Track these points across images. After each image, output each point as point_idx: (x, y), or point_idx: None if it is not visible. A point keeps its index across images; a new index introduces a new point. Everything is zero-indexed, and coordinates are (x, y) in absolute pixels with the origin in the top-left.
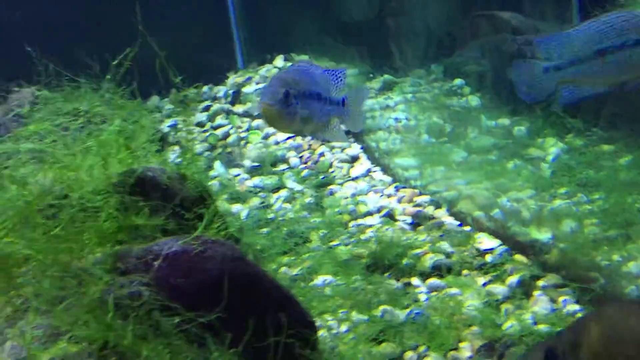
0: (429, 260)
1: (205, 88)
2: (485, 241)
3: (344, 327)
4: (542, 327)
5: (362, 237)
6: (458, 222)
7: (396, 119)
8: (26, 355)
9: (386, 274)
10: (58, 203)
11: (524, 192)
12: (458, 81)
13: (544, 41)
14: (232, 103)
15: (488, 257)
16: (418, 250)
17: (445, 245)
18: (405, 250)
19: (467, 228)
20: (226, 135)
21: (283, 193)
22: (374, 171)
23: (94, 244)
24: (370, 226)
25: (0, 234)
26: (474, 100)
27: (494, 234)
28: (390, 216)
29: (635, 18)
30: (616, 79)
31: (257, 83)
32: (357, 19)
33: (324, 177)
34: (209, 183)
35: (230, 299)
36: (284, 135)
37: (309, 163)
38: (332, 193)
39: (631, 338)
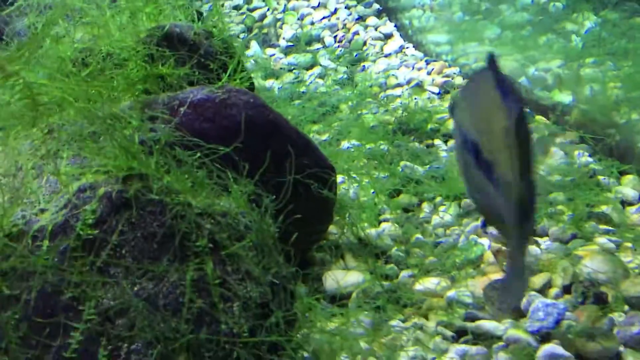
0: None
1: None
2: None
3: (365, 181)
4: (554, 178)
5: (391, 105)
6: None
7: None
8: (60, 185)
9: (411, 137)
10: (89, 54)
11: (552, 62)
12: None
13: None
14: None
15: None
16: (443, 115)
17: None
18: (430, 115)
19: None
20: (262, 17)
21: (316, 70)
22: (407, 47)
23: (122, 90)
24: (399, 96)
25: (33, 79)
26: None
27: None
28: (419, 87)
29: None
30: None
31: None
32: None
33: (357, 55)
34: (246, 62)
35: (252, 142)
36: (319, 15)
37: (343, 42)
38: (364, 69)
39: None
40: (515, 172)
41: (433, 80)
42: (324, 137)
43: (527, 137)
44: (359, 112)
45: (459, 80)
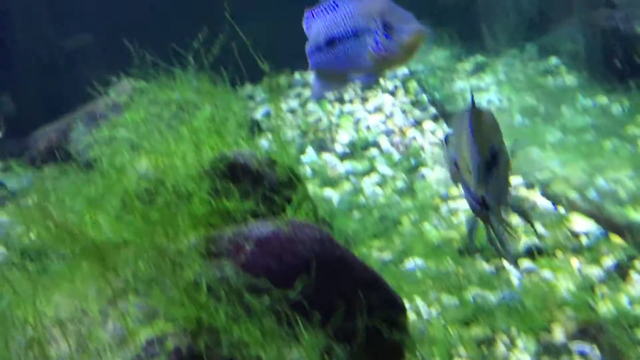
0: (521, 242)
1: (296, 75)
2: (580, 222)
3: (434, 310)
4: (638, 309)
5: (454, 220)
6: (552, 204)
7: (488, 101)
8: (126, 333)
9: (477, 256)
10: (154, 188)
11: (621, 172)
12: (554, 60)
13: (307, 16)
14: None
15: (583, 239)
16: None
17: (538, 227)
18: None
19: (561, 209)
20: (318, 120)
21: (374, 177)
22: None
23: (187, 228)
24: (462, 209)
25: (100, 218)
26: (570, 80)
27: (589, 215)
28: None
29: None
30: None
31: None
32: (446, 1)
33: (415, 161)
34: (301, 169)
35: (319, 281)
36: (375, 120)
37: (400, 147)
38: (423, 177)
39: None
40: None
41: None
42: (386, 254)
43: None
44: (422, 226)
45: (523, 192)
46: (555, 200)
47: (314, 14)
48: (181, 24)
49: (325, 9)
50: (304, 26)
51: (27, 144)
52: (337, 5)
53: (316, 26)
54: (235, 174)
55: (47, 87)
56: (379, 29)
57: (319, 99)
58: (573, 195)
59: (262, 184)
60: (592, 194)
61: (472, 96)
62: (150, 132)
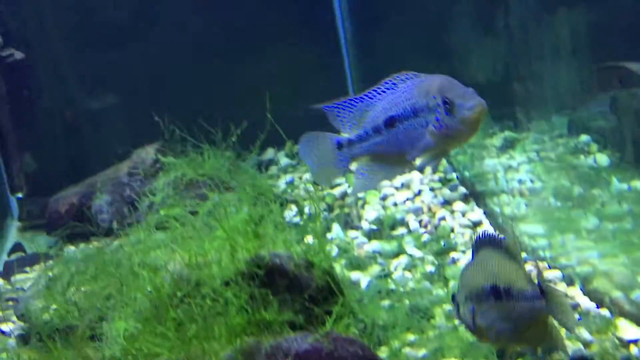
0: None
1: None
2: (629, 329)
3: None
4: None
5: None
6: (595, 304)
7: (520, 181)
8: None
9: None
10: (188, 294)
11: None
12: (584, 137)
13: (333, 108)
14: None
15: (633, 349)
16: None
17: (582, 331)
18: None
19: (606, 311)
20: (343, 194)
21: (403, 259)
22: None
23: (224, 340)
24: None
25: (131, 324)
26: (602, 159)
27: (638, 321)
28: None
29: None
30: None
31: None
32: (480, 82)
33: (445, 244)
34: (327, 248)
35: None
36: (403, 197)
37: (429, 227)
38: (454, 261)
39: None
40: None
41: None
42: (420, 352)
43: None
44: (456, 321)
45: (562, 287)
46: (598, 300)
47: (357, 99)
48: (204, 91)
49: (382, 89)
50: (332, 116)
51: (48, 205)
52: (395, 85)
53: (371, 108)
54: (272, 278)
55: (70, 148)
56: (439, 107)
57: (359, 192)
58: (617, 294)
59: (300, 289)
60: (636, 294)
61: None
62: (184, 229)
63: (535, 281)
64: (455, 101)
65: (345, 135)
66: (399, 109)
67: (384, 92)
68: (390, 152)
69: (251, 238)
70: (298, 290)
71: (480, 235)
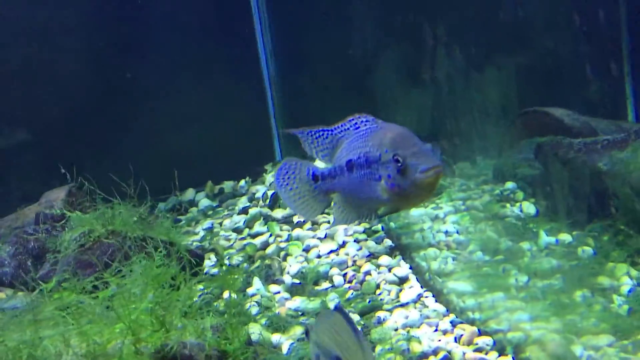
0: None
1: (242, 182)
2: None
3: None
4: None
5: None
6: None
7: (446, 232)
8: None
9: None
10: None
11: (600, 338)
12: (510, 184)
13: (307, 135)
14: (271, 207)
15: None
16: None
17: None
18: None
19: None
20: (265, 245)
21: None
22: (426, 297)
23: None
24: None
25: None
26: (529, 208)
27: None
28: None
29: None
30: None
31: None
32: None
33: (370, 301)
34: (247, 306)
35: None
36: (326, 248)
37: (354, 282)
38: (380, 321)
39: None
40: None
41: (464, 353)
42: None
43: None
44: None
45: (493, 356)
46: None
47: (334, 130)
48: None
49: (347, 127)
50: (305, 142)
51: None
52: (357, 126)
53: (340, 143)
54: None
55: None
56: (392, 164)
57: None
58: None
59: None
60: None
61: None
62: (80, 314)
63: None
64: (407, 161)
65: (320, 167)
66: (355, 154)
67: (348, 129)
68: (352, 195)
69: (157, 327)
70: None
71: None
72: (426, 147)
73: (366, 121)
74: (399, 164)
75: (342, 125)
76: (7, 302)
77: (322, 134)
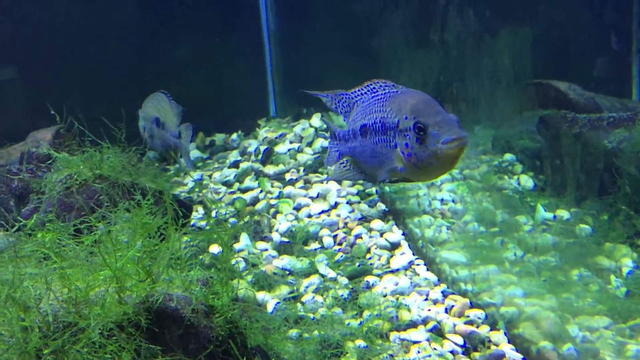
0: None
1: (234, 135)
2: None
3: None
4: None
5: (407, 357)
6: (521, 355)
7: (442, 200)
8: None
9: None
10: (61, 347)
11: (597, 319)
12: (508, 156)
13: (329, 97)
14: (263, 162)
15: None
16: None
17: None
18: None
19: None
20: (255, 200)
21: (314, 279)
22: (417, 264)
23: None
24: (415, 342)
25: None
26: (527, 182)
27: None
28: (437, 331)
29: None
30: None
31: (291, 142)
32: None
33: (360, 265)
34: (233, 261)
35: None
36: (318, 208)
37: (344, 245)
38: (369, 286)
39: None
40: None
41: (454, 325)
42: None
43: None
44: None
45: (484, 330)
46: (524, 350)
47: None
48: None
49: (370, 90)
50: (329, 103)
51: None
52: (375, 90)
53: (355, 108)
54: (164, 325)
55: None
56: (410, 131)
57: (330, 164)
58: (545, 344)
59: (197, 340)
60: (567, 348)
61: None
62: (64, 255)
63: None
64: (428, 130)
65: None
66: (371, 119)
67: (365, 94)
68: (364, 161)
69: (142, 277)
70: (194, 343)
71: None
72: (450, 117)
73: (385, 86)
74: (420, 133)
75: (359, 90)
76: None
77: (342, 97)
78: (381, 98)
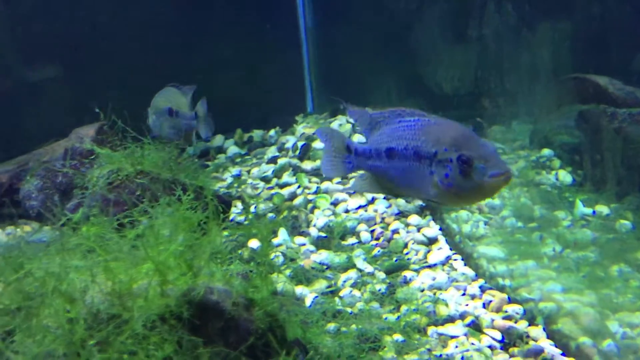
0: None
1: (272, 131)
2: None
3: None
4: None
5: (445, 352)
6: (560, 351)
7: None
8: None
9: None
10: (106, 338)
11: (637, 315)
12: (546, 151)
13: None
14: (301, 158)
15: None
16: None
17: None
18: None
19: None
20: (292, 196)
21: (352, 274)
22: (455, 260)
23: None
24: (453, 337)
25: None
26: (565, 177)
27: None
28: (475, 326)
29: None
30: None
31: None
32: (445, 92)
33: (397, 259)
34: (272, 256)
35: None
36: (355, 204)
37: (381, 240)
38: (406, 281)
39: None
40: None
41: (492, 320)
42: None
43: None
44: (407, 357)
45: (523, 325)
46: (563, 346)
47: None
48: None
49: (395, 115)
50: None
51: None
52: (401, 116)
53: (378, 129)
54: (205, 318)
55: (2, 120)
56: (452, 163)
57: (332, 175)
58: (584, 340)
59: (237, 333)
60: (607, 344)
61: None
62: (107, 248)
63: None
64: (475, 164)
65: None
66: (401, 144)
67: (388, 117)
68: (387, 180)
69: (184, 270)
70: (235, 335)
71: None
72: (492, 148)
73: (412, 113)
74: (465, 165)
75: (382, 113)
76: (33, 235)
77: (365, 115)
78: (412, 126)
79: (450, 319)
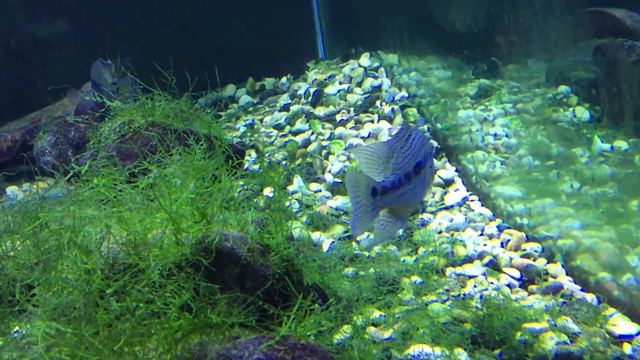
0: (549, 341)
1: (284, 79)
2: (621, 323)
3: None
4: None
5: (463, 291)
6: (579, 287)
7: (495, 135)
8: None
9: (496, 352)
10: (123, 288)
11: None
12: (563, 88)
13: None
14: (313, 104)
15: (626, 347)
16: (535, 325)
17: (568, 321)
18: (518, 321)
19: (592, 296)
20: (306, 142)
21: None
22: (472, 200)
23: (162, 346)
24: (471, 277)
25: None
26: (583, 114)
27: (630, 313)
28: (494, 265)
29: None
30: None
31: (341, 83)
32: (459, 31)
33: None
34: (287, 203)
35: None
36: None
37: None
38: (423, 224)
39: None
40: None
41: (511, 259)
42: (386, 334)
43: None
44: (426, 297)
45: (541, 263)
46: (582, 282)
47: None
48: (163, 25)
49: (399, 137)
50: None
51: None
52: (409, 134)
53: (393, 155)
54: (221, 265)
55: (13, 76)
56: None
57: (363, 230)
58: (604, 275)
59: (254, 279)
60: (627, 278)
61: None
62: (121, 200)
63: None
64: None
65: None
66: (421, 154)
67: (400, 138)
68: (412, 200)
69: (198, 218)
70: (251, 281)
71: None
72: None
73: (414, 130)
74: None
75: (391, 140)
76: (49, 190)
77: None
78: (418, 138)
79: (469, 260)
